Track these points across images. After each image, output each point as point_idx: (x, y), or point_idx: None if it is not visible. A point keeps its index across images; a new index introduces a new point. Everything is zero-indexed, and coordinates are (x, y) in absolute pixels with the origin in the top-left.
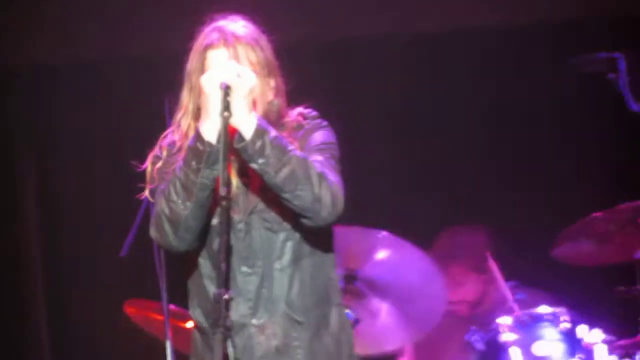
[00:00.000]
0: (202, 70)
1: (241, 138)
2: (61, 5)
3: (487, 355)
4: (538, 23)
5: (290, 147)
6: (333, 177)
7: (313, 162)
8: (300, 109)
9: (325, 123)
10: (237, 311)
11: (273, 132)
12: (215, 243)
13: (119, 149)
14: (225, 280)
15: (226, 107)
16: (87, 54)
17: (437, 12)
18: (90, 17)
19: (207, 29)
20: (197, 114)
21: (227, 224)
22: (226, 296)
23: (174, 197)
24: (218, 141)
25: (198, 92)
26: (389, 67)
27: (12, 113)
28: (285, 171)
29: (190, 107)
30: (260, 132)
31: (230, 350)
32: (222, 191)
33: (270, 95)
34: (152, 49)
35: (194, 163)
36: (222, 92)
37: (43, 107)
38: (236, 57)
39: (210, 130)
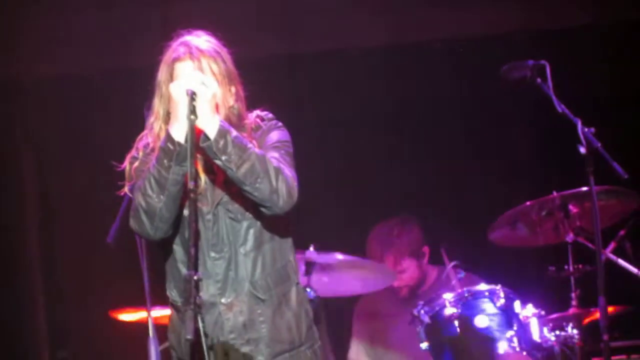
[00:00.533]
0: (170, 80)
1: (206, 138)
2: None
3: (433, 327)
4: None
5: (250, 146)
6: (288, 171)
7: (270, 158)
8: (257, 112)
9: (280, 124)
10: (208, 292)
11: (234, 133)
12: (187, 231)
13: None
14: (195, 263)
15: (192, 111)
16: (84, 68)
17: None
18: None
19: (175, 44)
20: (167, 118)
21: (195, 213)
22: (195, 277)
23: (149, 192)
24: (186, 141)
25: (167, 99)
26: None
27: (16, 119)
28: (245, 166)
29: (161, 112)
30: (222, 132)
31: (200, 325)
32: (190, 185)
33: (231, 101)
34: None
35: (165, 161)
36: (189, 98)
37: (43, 114)
38: (200, 69)
39: (179, 132)
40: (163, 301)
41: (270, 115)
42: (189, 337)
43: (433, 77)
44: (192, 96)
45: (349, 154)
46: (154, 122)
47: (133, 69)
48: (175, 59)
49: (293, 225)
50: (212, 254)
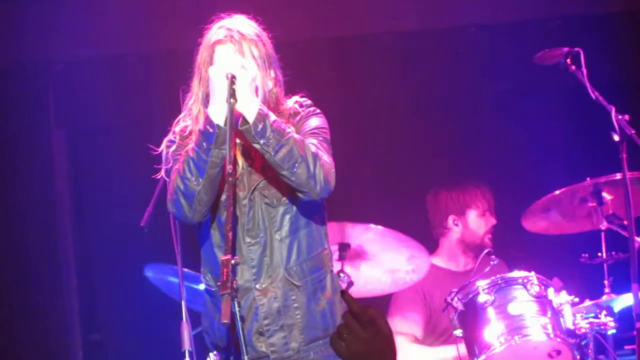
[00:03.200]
0: (210, 63)
1: (245, 121)
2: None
3: (466, 314)
4: (511, 22)
5: (288, 130)
6: (326, 158)
7: (308, 144)
8: (296, 98)
9: (318, 110)
10: (242, 277)
11: (273, 117)
12: (224, 216)
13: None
14: (232, 248)
15: (232, 94)
16: (121, 49)
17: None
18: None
19: (215, 27)
20: (205, 101)
21: (233, 197)
22: (232, 261)
23: (188, 175)
24: (225, 124)
25: (206, 82)
26: (385, 64)
27: (48, 101)
28: (283, 151)
29: (200, 94)
30: (261, 116)
31: (236, 309)
32: (229, 169)
33: (270, 85)
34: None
35: (204, 144)
36: (228, 82)
37: (76, 97)
38: (241, 52)
39: (218, 115)
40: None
41: (309, 102)
42: (225, 321)
43: (466, 62)
44: (232, 80)
45: (385, 138)
46: (193, 105)
47: (168, 51)
48: (216, 42)
49: (328, 213)
50: (248, 239)
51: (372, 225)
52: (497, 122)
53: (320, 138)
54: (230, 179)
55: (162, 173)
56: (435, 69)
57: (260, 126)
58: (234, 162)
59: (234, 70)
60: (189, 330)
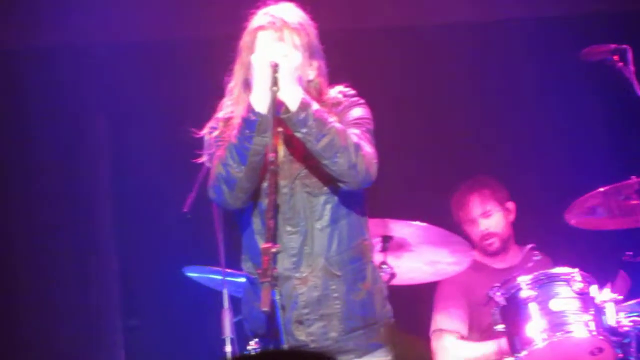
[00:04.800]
0: (251, 48)
1: (287, 110)
2: None
3: (508, 309)
4: (552, 17)
5: (330, 120)
6: (368, 148)
7: (350, 134)
8: (340, 87)
9: (361, 100)
10: (282, 265)
11: (315, 106)
12: (265, 203)
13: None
14: (273, 235)
15: (274, 82)
16: (164, 33)
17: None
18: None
19: (260, 12)
20: (245, 85)
21: (275, 185)
22: (273, 249)
23: (230, 162)
24: (267, 112)
25: (246, 67)
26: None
27: (86, 89)
28: (325, 140)
29: (241, 79)
30: (304, 105)
31: (276, 297)
32: (271, 157)
33: (311, 75)
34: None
35: (247, 131)
36: (272, 70)
37: (115, 82)
38: (281, 39)
39: (261, 102)
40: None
41: (352, 92)
42: (265, 309)
43: (510, 56)
44: (275, 68)
45: (430, 130)
46: (234, 88)
47: (210, 38)
48: (258, 28)
49: (369, 203)
50: (288, 228)
51: (414, 222)
52: (543, 117)
53: (363, 128)
54: (272, 166)
55: (204, 159)
56: (479, 63)
57: (302, 115)
58: (276, 150)
59: (277, 58)
60: (230, 318)
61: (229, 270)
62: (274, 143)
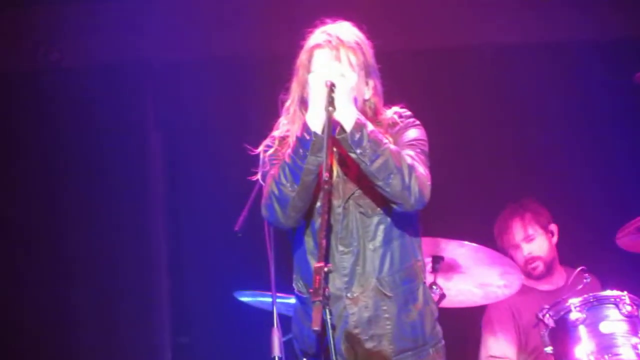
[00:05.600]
0: (308, 66)
1: (342, 130)
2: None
3: (557, 331)
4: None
5: (385, 141)
6: (422, 170)
7: (405, 155)
8: (396, 108)
9: (417, 122)
10: (334, 285)
11: (370, 127)
12: (317, 223)
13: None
14: (325, 255)
15: (330, 102)
16: (220, 52)
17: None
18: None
19: (318, 31)
20: (301, 103)
21: (328, 204)
22: (326, 269)
23: (283, 181)
24: (322, 131)
25: (302, 85)
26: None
27: (147, 102)
28: (379, 161)
29: (297, 97)
30: (359, 126)
31: (327, 317)
32: (325, 177)
33: (367, 94)
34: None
35: (301, 151)
36: (327, 90)
37: (174, 99)
38: (338, 58)
39: (316, 122)
40: (287, 292)
41: (408, 113)
42: (315, 328)
43: (557, 78)
44: (332, 88)
45: (478, 153)
46: (290, 106)
47: (267, 57)
48: (315, 46)
49: (423, 224)
50: (340, 248)
51: (467, 242)
52: (593, 139)
53: (418, 150)
54: (326, 186)
55: (259, 176)
56: (525, 85)
57: (357, 135)
58: (330, 170)
59: (334, 78)
60: (279, 337)
61: (279, 293)
62: (328, 163)
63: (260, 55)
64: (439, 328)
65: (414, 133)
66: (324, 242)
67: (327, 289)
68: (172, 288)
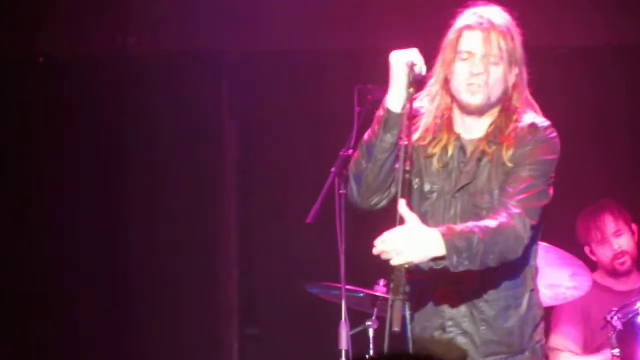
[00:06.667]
0: (455, 46)
1: (440, 258)
2: None
3: (625, 334)
4: None
5: (474, 238)
6: (531, 211)
7: (495, 229)
8: (534, 116)
9: (553, 135)
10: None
11: (457, 237)
12: (423, 207)
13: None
14: None
15: (411, 82)
16: (297, 45)
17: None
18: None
19: (469, 12)
20: (445, 82)
21: (407, 194)
22: (406, 265)
23: (360, 157)
24: (396, 109)
25: (449, 64)
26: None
27: (222, 94)
28: (478, 259)
29: (441, 76)
30: (451, 250)
31: (407, 315)
32: (406, 166)
33: (511, 82)
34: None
35: (377, 127)
36: (408, 69)
37: (250, 89)
38: (488, 41)
39: (393, 100)
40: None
41: (547, 124)
42: (396, 329)
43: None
44: (412, 67)
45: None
46: (433, 85)
47: (344, 51)
48: (466, 27)
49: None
50: None
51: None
52: None
53: (538, 173)
54: (406, 175)
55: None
56: (606, 87)
57: (454, 259)
58: (411, 157)
59: (415, 58)
60: (347, 330)
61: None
62: (410, 151)
63: (333, 49)
64: (540, 334)
65: (544, 151)
66: None
67: (407, 286)
68: (240, 278)
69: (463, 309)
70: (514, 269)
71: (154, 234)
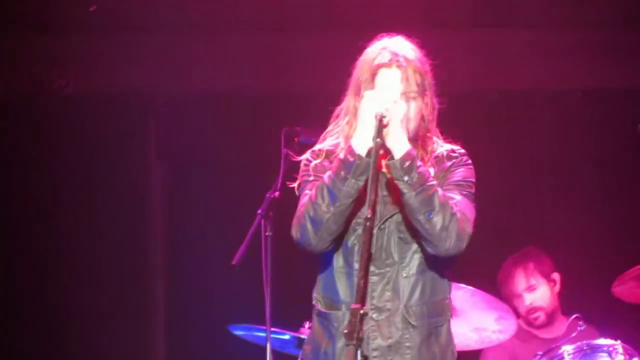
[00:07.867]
0: (371, 83)
1: (392, 156)
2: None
3: None
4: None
5: (432, 178)
6: (468, 214)
7: (450, 196)
8: (451, 145)
9: (469, 161)
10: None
11: (419, 162)
12: (350, 241)
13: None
14: (362, 297)
15: (378, 133)
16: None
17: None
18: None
19: (378, 47)
20: (356, 118)
21: (369, 242)
22: (361, 311)
23: (320, 201)
24: (367, 156)
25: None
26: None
27: (150, 135)
28: (424, 195)
29: (354, 112)
30: (410, 156)
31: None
32: (368, 213)
33: (425, 112)
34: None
35: (342, 173)
36: (377, 121)
37: (178, 131)
38: (406, 79)
39: (361, 145)
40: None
41: (463, 151)
42: None
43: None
44: (381, 120)
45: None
46: (341, 119)
47: (284, 94)
48: (381, 65)
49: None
50: (372, 268)
51: (463, 285)
52: (594, 188)
53: (465, 192)
54: (368, 223)
55: (295, 185)
56: (537, 129)
57: (407, 163)
58: (374, 208)
59: (388, 105)
60: None
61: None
62: (372, 199)
63: (261, 93)
64: None
65: (465, 173)
66: (362, 282)
67: (361, 332)
68: (166, 319)
69: (388, 339)
70: (436, 297)
71: (84, 274)
